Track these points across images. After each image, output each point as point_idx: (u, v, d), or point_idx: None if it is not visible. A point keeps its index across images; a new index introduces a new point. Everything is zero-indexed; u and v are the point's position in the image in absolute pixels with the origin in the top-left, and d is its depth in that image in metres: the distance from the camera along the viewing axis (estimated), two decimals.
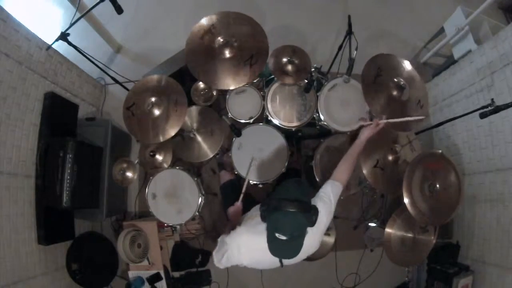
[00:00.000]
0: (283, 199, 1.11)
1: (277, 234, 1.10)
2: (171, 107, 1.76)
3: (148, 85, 1.84)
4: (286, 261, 1.25)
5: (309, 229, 1.20)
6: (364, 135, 1.53)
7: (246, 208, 1.64)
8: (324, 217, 1.26)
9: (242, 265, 1.31)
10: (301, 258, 1.27)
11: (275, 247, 1.13)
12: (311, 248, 1.28)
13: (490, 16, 2.51)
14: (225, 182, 2.00)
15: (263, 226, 1.19)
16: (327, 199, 1.31)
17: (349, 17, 1.92)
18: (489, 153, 2.15)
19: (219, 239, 1.42)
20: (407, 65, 1.83)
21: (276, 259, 1.22)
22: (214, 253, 1.38)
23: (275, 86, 2.02)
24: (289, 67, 1.93)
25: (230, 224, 1.60)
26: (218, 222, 2.43)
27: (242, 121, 2.03)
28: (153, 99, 1.77)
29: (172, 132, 1.73)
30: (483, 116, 1.67)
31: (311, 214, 1.13)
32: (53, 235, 1.95)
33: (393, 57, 1.83)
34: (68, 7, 2.63)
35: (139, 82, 1.88)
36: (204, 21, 1.85)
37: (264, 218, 1.17)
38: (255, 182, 1.93)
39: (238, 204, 1.59)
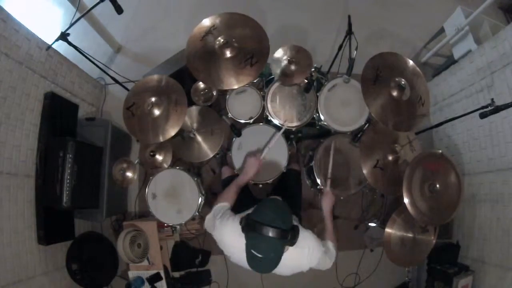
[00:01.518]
0: (261, 224, 1.13)
1: (253, 251, 1.14)
2: (171, 107, 1.76)
3: (148, 85, 1.83)
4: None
5: (299, 252, 1.31)
6: (325, 206, 1.68)
7: (244, 205, 1.65)
8: (319, 258, 1.40)
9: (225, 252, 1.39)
10: (288, 274, 1.39)
11: (250, 260, 1.16)
12: (302, 266, 1.40)
13: (490, 16, 2.51)
14: (226, 177, 2.01)
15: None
16: (331, 254, 1.51)
17: (349, 17, 1.92)
18: (489, 153, 2.15)
19: (214, 206, 1.51)
20: (408, 62, 1.83)
21: None
22: (207, 216, 1.48)
23: (275, 86, 2.02)
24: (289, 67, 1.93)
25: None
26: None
27: (242, 121, 2.03)
28: (153, 99, 1.77)
29: (172, 132, 1.73)
30: (483, 116, 1.67)
31: (288, 239, 1.16)
32: (53, 235, 1.95)
33: (394, 55, 1.82)
34: (68, 7, 2.62)
35: (139, 82, 1.88)
36: (205, 22, 1.85)
37: (243, 231, 1.21)
38: (255, 182, 1.93)
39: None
